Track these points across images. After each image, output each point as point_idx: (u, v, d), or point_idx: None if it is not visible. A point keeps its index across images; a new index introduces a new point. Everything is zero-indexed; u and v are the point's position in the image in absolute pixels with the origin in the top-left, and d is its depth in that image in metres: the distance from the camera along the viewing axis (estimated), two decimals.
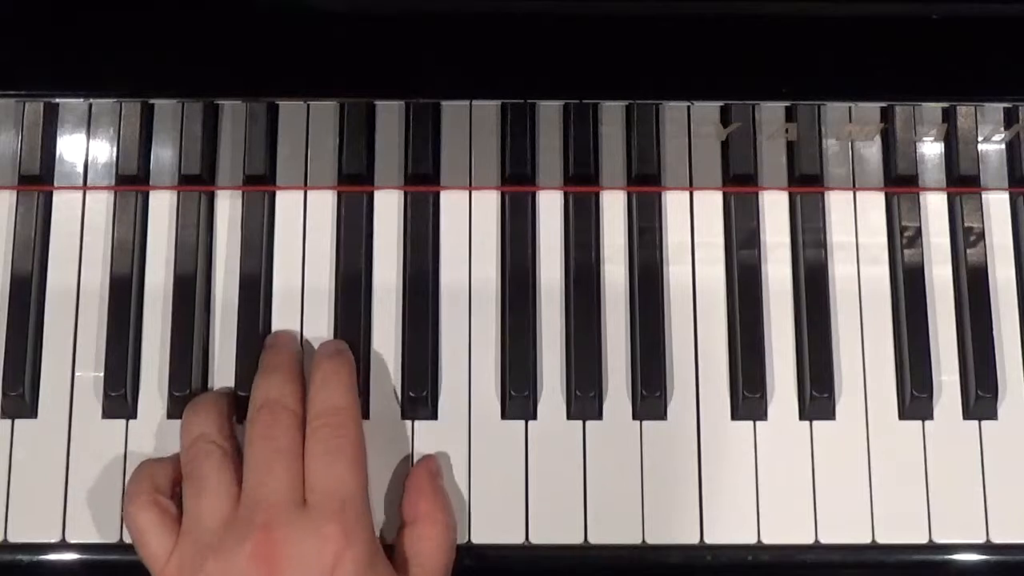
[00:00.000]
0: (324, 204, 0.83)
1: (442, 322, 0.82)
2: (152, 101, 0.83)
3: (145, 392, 0.81)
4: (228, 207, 0.83)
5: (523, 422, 0.80)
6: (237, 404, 0.80)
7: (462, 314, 0.82)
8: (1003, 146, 0.84)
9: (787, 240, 0.83)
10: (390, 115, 0.83)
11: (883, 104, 0.83)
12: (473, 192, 0.84)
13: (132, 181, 0.83)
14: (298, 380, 0.78)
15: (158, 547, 0.74)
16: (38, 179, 0.83)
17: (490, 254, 0.83)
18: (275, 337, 0.81)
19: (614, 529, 0.79)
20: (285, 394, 0.76)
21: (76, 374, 0.81)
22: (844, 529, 0.79)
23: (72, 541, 0.78)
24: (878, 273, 0.83)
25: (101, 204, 0.83)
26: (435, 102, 0.83)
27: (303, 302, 0.82)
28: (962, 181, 0.84)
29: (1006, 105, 0.83)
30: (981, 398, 0.80)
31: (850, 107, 0.83)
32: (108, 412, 0.80)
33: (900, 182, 0.84)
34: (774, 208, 0.84)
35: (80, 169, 0.83)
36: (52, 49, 0.79)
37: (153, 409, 0.80)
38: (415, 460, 0.80)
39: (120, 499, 0.78)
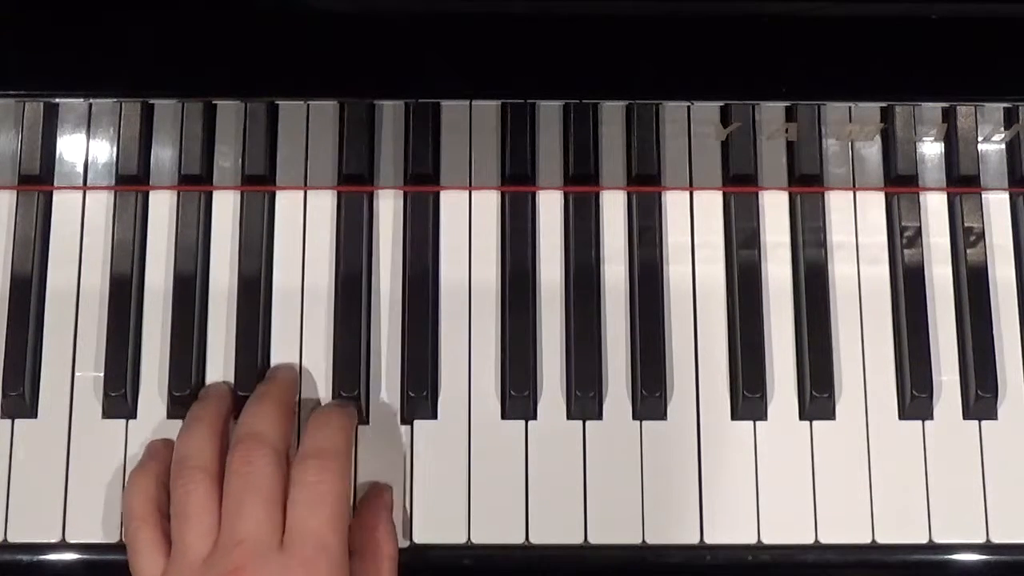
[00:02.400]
0: (324, 204, 0.83)
1: (442, 322, 0.82)
2: (152, 101, 0.83)
3: (145, 392, 0.81)
4: (228, 207, 0.83)
5: (523, 422, 0.80)
6: (237, 405, 0.79)
7: (462, 314, 0.82)
8: (1003, 146, 0.84)
9: (787, 240, 0.83)
10: (390, 115, 0.83)
11: (883, 104, 0.83)
12: (473, 192, 0.84)
13: (132, 181, 0.83)
14: (286, 414, 0.77)
15: (149, 567, 0.74)
16: (38, 179, 0.83)
17: (490, 254, 0.83)
18: (274, 369, 0.81)
19: (614, 529, 0.79)
20: (269, 429, 0.75)
21: (76, 374, 0.81)
22: (844, 529, 0.79)
23: (72, 541, 0.78)
24: (878, 273, 0.83)
25: (101, 204, 0.83)
26: (435, 102, 0.83)
27: (303, 302, 0.82)
28: (962, 181, 0.84)
29: (1006, 105, 0.83)
30: (981, 398, 0.80)
31: (850, 107, 0.83)
32: (108, 412, 0.80)
33: (900, 182, 0.84)
34: (774, 208, 0.84)
35: (80, 169, 0.83)
36: (52, 49, 0.79)
37: (153, 409, 0.80)
38: (415, 460, 0.79)
39: (119, 499, 0.78)
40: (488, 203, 0.83)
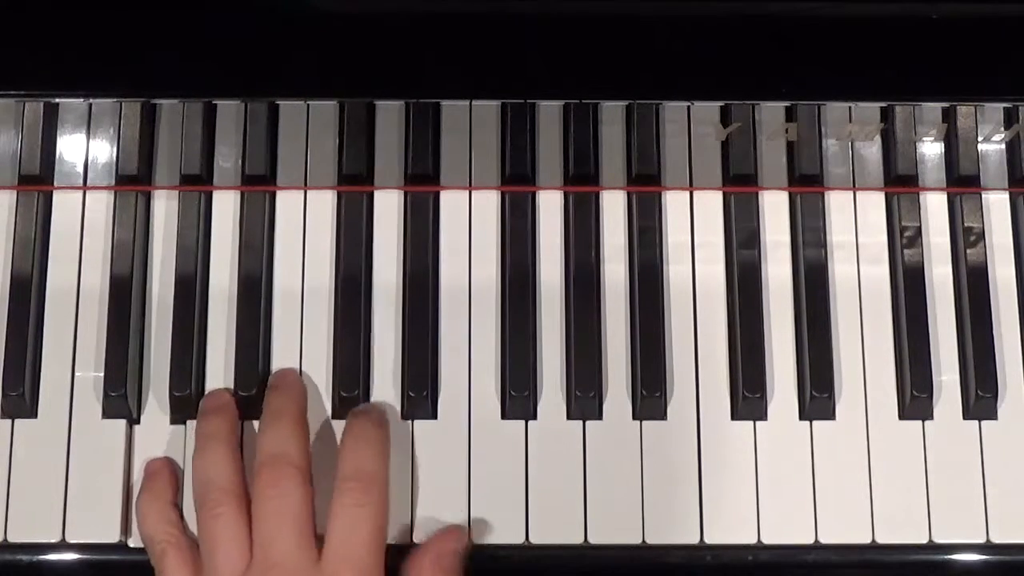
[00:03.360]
0: (324, 204, 0.83)
1: (442, 322, 0.82)
2: (152, 101, 0.83)
3: (145, 392, 0.81)
4: (228, 207, 0.83)
5: (523, 422, 0.80)
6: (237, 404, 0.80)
7: (462, 314, 0.82)
8: (1003, 146, 0.84)
9: (787, 240, 0.83)
10: (390, 115, 0.83)
11: (883, 104, 0.83)
12: (473, 192, 0.84)
13: (132, 181, 0.83)
14: (304, 428, 0.77)
15: None
16: (38, 179, 0.82)
17: (490, 254, 0.83)
18: (280, 377, 0.80)
19: (614, 529, 0.79)
20: (290, 449, 0.76)
21: (76, 374, 0.81)
22: (844, 529, 0.79)
23: (72, 541, 0.78)
24: (878, 273, 0.83)
25: (101, 204, 0.83)
26: (435, 102, 0.83)
27: (303, 302, 0.82)
28: (962, 181, 0.84)
29: (1006, 105, 0.83)
30: (981, 398, 0.80)
31: (850, 107, 0.83)
32: (108, 412, 0.80)
33: (900, 182, 0.84)
34: (774, 208, 0.84)
35: (80, 169, 0.83)
36: (52, 49, 0.79)
37: (153, 409, 0.80)
38: (415, 460, 0.79)
39: (120, 499, 0.78)
40: (488, 203, 0.83)
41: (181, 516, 0.78)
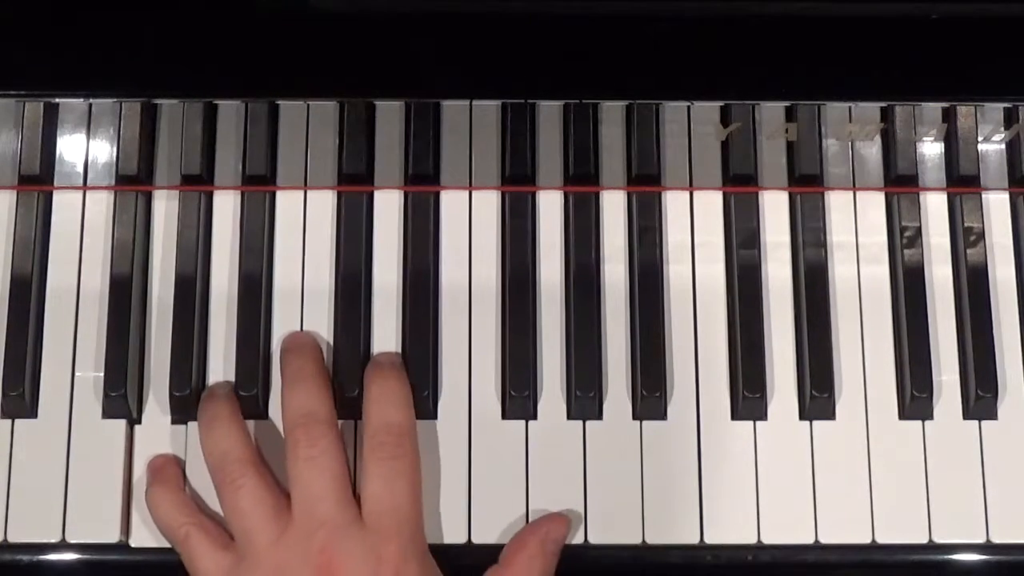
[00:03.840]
0: (324, 204, 0.83)
1: (442, 322, 0.82)
2: (152, 101, 0.82)
3: (145, 392, 0.81)
4: (228, 207, 0.83)
5: (523, 422, 0.80)
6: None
7: (462, 314, 0.82)
8: (1003, 146, 0.84)
9: (787, 240, 0.83)
10: (390, 115, 0.83)
11: (883, 104, 0.83)
12: (473, 192, 0.84)
13: (132, 181, 0.83)
14: (326, 385, 0.78)
15: (212, 566, 0.75)
16: (38, 179, 0.82)
17: (490, 254, 0.83)
18: (293, 340, 0.81)
19: (614, 529, 0.79)
20: (319, 406, 0.76)
21: (76, 374, 0.81)
22: (844, 529, 0.79)
23: (72, 541, 0.78)
24: (878, 273, 0.83)
25: (101, 204, 0.83)
26: (435, 102, 0.83)
27: (303, 302, 0.82)
28: (962, 181, 0.84)
29: (1006, 105, 0.83)
30: (981, 398, 0.80)
31: (850, 107, 0.83)
32: (108, 412, 0.80)
33: (900, 182, 0.84)
34: (774, 208, 0.84)
35: (80, 169, 0.83)
36: (52, 49, 0.79)
37: (154, 409, 0.80)
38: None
39: (120, 499, 0.78)
40: (488, 203, 0.83)
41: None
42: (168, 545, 0.78)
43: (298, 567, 0.72)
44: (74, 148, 0.83)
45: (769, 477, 0.80)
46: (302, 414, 0.76)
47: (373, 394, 0.77)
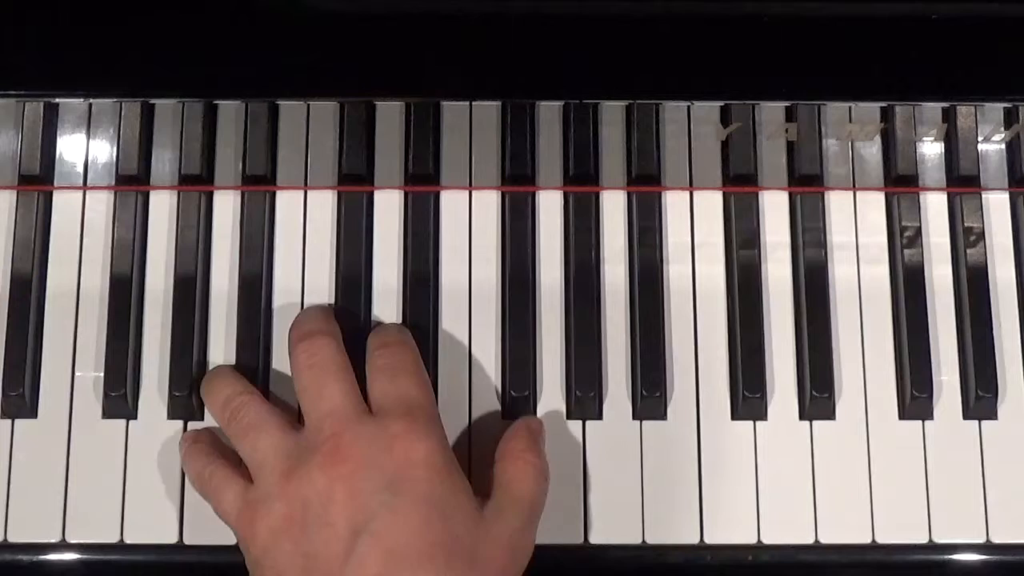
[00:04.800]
0: (324, 204, 0.83)
1: (442, 322, 0.82)
2: (152, 101, 0.82)
3: (145, 392, 0.81)
4: (228, 207, 0.83)
5: None
6: None
7: (462, 314, 0.82)
8: (1003, 146, 0.84)
9: (787, 240, 0.83)
10: (390, 115, 0.83)
11: (883, 104, 0.83)
12: (473, 192, 0.84)
13: (132, 181, 0.83)
14: (330, 315, 0.79)
15: (234, 493, 0.75)
16: (38, 179, 0.82)
17: (490, 254, 0.83)
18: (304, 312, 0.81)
19: (614, 529, 0.79)
20: (320, 326, 0.77)
21: (76, 374, 0.81)
22: (844, 529, 0.79)
23: (72, 541, 0.78)
24: (878, 273, 0.83)
25: (101, 204, 0.83)
26: (435, 102, 0.83)
27: (303, 302, 0.82)
28: (962, 181, 0.84)
29: (1006, 105, 0.83)
30: (981, 398, 0.80)
31: (850, 107, 0.83)
32: (108, 412, 0.80)
33: (900, 182, 0.84)
34: (774, 208, 0.84)
35: (80, 169, 0.83)
36: (52, 49, 0.79)
37: (153, 409, 0.80)
38: None
39: (120, 499, 0.78)
40: (488, 203, 0.84)
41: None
42: (166, 543, 0.78)
43: (308, 458, 0.72)
44: (74, 148, 0.83)
45: (769, 477, 0.80)
46: (303, 332, 0.77)
47: (372, 332, 0.79)
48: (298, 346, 0.77)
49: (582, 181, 0.83)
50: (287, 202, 0.83)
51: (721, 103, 0.83)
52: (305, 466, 0.72)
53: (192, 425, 0.80)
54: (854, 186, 0.84)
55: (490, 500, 0.74)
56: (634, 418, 0.80)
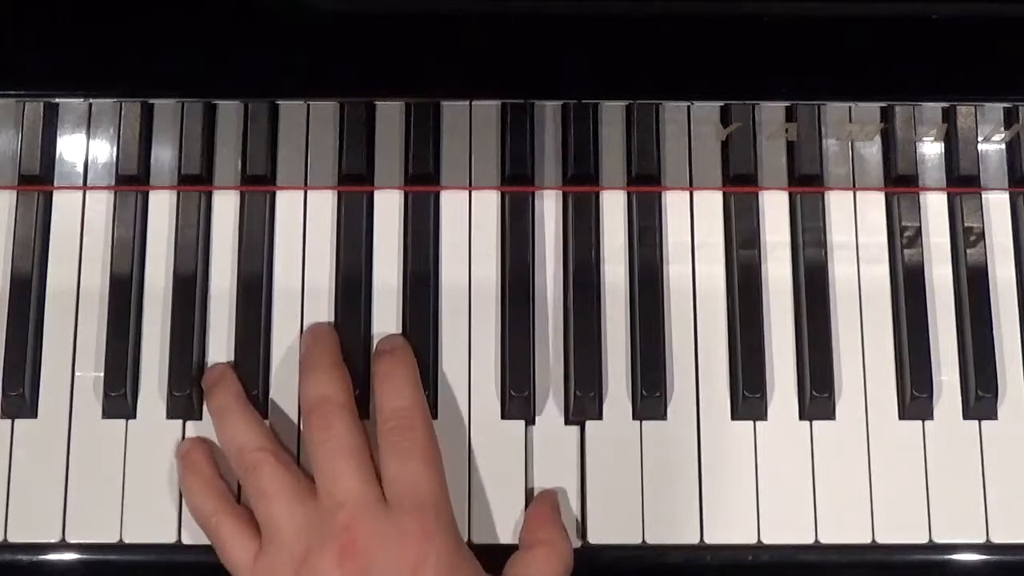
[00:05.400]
0: (324, 204, 0.83)
1: (442, 322, 0.82)
2: (152, 101, 0.82)
3: (145, 392, 0.81)
4: (228, 207, 0.83)
5: (523, 422, 0.80)
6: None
7: (462, 314, 0.82)
8: (1003, 146, 0.84)
9: (787, 240, 0.83)
10: (390, 115, 0.83)
11: (883, 104, 0.83)
12: (473, 192, 0.84)
13: (132, 181, 0.83)
14: (341, 370, 0.78)
15: (241, 552, 0.75)
16: (38, 179, 0.82)
17: (490, 254, 0.83)
18: (309, 332, 0.81)
19: (614, 529, 0.79)
20: (332, 391, 0.77)
21: (76, 374, 0.81)
22: (844, 529, 0.79)
23: (72, 541, 0.78)
24: (878, 273, 0.83)
25: (101, 204, 0.83)
26: (435, 102, 0.83)
27: (303, 302, 0.82)
28: (962, 181, 0.84)
29: (1006, 105, 0.83)
30: (981, 398, 0.80)
31: (850, 107, 0.83)
32: (108, 412, 0.80)
33: (900, 182, 0.84)
34: (774, 208, 0.84)
35: (80, 169, 0.83)
36: (52, 49, 0.79)
37: (153, 409, 0.80)
38: None
39: (120, 499, 0.78)
40: (488, 203, 0.83)
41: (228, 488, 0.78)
42: (165, 543, 0.78)
43: (321, 546, 0.72)
44: (74, 148, 0.83)
45: (769, 477, 0.80)
46: (314, 399, 0.77)
47: (378, 377, 0.78)
48: (311, 417, 0.76)
49: (582, 181, 0.83)
50: (287, 202, 0.83)
51: (721, 103, 0.83)
52: (317, 554, 0.72)
53: (192, 425, 0.80)
54: (854, 186, 0.84)
55: None
56: (634, 418, 0.80)
